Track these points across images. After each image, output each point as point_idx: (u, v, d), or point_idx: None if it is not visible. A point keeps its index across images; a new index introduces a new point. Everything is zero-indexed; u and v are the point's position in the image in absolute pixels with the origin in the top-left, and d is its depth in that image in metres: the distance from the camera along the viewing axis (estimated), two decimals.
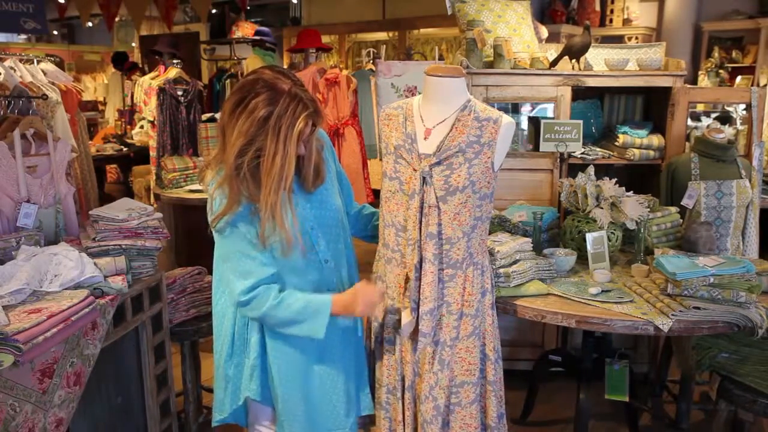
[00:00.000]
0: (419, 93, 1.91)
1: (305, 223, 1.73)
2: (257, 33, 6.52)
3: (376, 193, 1.95)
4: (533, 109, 3.66)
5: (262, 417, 1.85)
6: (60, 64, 4.43)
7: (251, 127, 1.55)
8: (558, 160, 3.07)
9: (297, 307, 1.66)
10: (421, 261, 1.77)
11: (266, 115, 1.55)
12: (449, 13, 3.37)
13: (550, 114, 3.53)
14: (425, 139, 1.81)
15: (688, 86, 3.13)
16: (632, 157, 3.13)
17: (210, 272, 2.68)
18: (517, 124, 3.54)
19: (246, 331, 1.79)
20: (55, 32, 12.05)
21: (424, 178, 1.75)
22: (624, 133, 3.19)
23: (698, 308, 1.93)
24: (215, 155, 1.67)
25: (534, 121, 3.29)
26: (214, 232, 1.71)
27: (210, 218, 1.68)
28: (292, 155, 1.58)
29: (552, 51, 3.38)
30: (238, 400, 1.81)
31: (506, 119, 1.79)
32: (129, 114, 7.44)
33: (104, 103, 9.29)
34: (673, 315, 1.91)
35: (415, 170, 1.77)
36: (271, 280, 1.68)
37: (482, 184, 1.77)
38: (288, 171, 1.58)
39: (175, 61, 4.80)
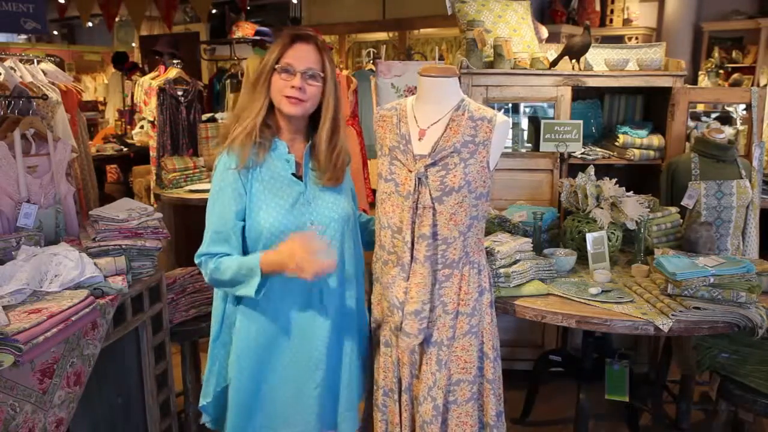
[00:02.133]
0: None
1: (306, 215, 1.74)
2: (257, 33, 6.52)
3: (376, 194, 1.95)
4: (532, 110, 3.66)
5: None
6: (60, 64, 4.43)
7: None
8: (558, 160, 3.07)
9: (232, 271, 1.68)
10: (411, 261, 1.76)
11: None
12: (449, 13, 3.37)
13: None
14: (420, 139, 1.80)
15: (688, 86, 3.14)
16: (632, 157, 3.14)
17: None
18: (517, 124, 3.54)
19: (233, 314, 1.80)
20: (55, 32, 12.04)
21: (419, 179, 1.74)
22: (624, 133, 3.19)
23: (698, 308, 1.93)
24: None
25: (534, 121, 3.29)
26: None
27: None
28: (270, 62, 1.70)
29: (552, 51, 3.38)
30: (223, 381, 1.82)
31: (501, 118, 1.79)
32: (129, 114, 7.44)
33: (104, 103, 9.28)
34: (673, 315, 1.91)
35: (410, 171, 1.76)
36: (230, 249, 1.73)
37: (478, 183, 1.77)
38: (263, 71, 1.71)
39: (175, 61, 4.80)
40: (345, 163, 1.81)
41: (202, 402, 1.85)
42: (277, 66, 1.69)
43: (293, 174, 1.75)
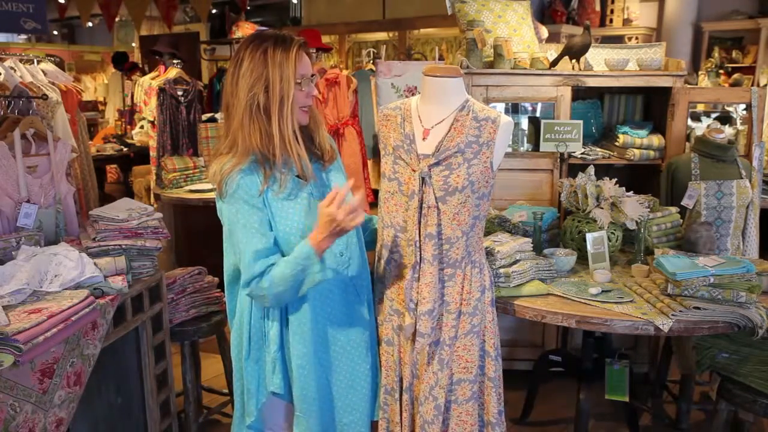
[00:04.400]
0: (419, 93, 1.91)
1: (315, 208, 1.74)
2: None
3: (377, 194, 1.95)
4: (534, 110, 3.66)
5: (278, 416, 1.82)
6: (60, 64, 4.43)
7: (251, 63, 1.61)
8: (558, 160, 3.07)
9: (288, 274, 1.60)
10: (420, 261, 1.77)
11: (263, 50, 1.61)
12: (449, 13, 3.37)
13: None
14: (424, 139, 1.81)
15: (688, 86, 3.14)
16: (632, 157, 3.14)
17: (210, 272, 2.69)
18: (517, 124, 3.54)
19: (263, 323, 1.75)
20: (55, 32, 12.07)
21: (423, 178, 1.75)
22: (624, 133, 3.19)
23: (698, 308, 1.93)
24: (219, 145, 1.70)
25: (534, 121, 3.29)
26: (221, 202, 1.68)
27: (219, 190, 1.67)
28: (291, 78, 1.61)
29: (552, 51, 3.38)
30: (263, 397, 1.79)
31: (504, 119, 1.79)
32: (129, 114, 7.44)
33: (104, 103, 9.30)
34: (673, 315, 1.91)
35: (414, 171, 1.77)
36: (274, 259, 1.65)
37: (481, 184, 1.77)
38: (288, 92, 1.61)
39: (175, 61, 4.80)
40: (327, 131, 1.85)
41: (248, 421, 1.81)
42: (299, 81, 1.64)
43: (297, 176, 1.74)
